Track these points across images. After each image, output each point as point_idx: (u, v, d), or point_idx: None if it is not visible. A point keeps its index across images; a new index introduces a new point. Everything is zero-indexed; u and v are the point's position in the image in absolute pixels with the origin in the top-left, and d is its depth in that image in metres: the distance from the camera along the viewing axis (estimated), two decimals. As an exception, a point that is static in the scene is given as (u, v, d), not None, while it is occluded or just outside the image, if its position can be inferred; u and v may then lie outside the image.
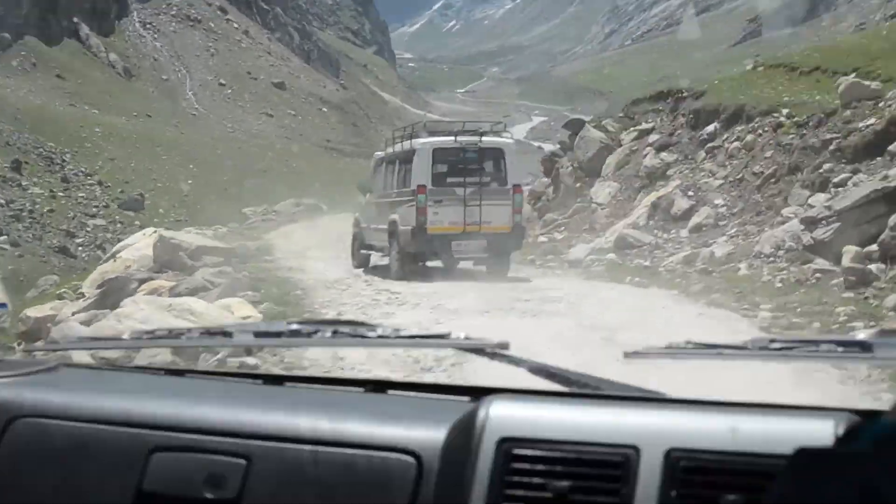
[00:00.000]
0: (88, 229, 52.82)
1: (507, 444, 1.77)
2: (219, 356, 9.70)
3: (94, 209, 56.49)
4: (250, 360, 9.63)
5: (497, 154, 19.66)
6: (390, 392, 2.28)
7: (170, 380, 2.53)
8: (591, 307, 13.93)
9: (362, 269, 21.29)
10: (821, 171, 19.80)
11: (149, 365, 5.58)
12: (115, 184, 60.29)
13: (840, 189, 18.62)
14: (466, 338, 2.42)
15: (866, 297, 13.46)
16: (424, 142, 19.77)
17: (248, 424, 2.02)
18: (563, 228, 26.78)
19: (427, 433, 1.91)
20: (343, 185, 73.25)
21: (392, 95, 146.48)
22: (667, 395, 2.06)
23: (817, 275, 15.33)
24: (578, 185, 29.53)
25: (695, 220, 22.28)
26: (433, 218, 19.18)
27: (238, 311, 13.06)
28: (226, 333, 2.52)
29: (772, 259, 17.35)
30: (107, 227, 53.38)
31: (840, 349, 2.05)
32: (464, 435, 1.83)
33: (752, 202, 21.65)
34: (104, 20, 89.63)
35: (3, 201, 52.11)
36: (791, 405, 1.89)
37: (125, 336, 2.89)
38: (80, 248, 49.12)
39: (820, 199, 18.65)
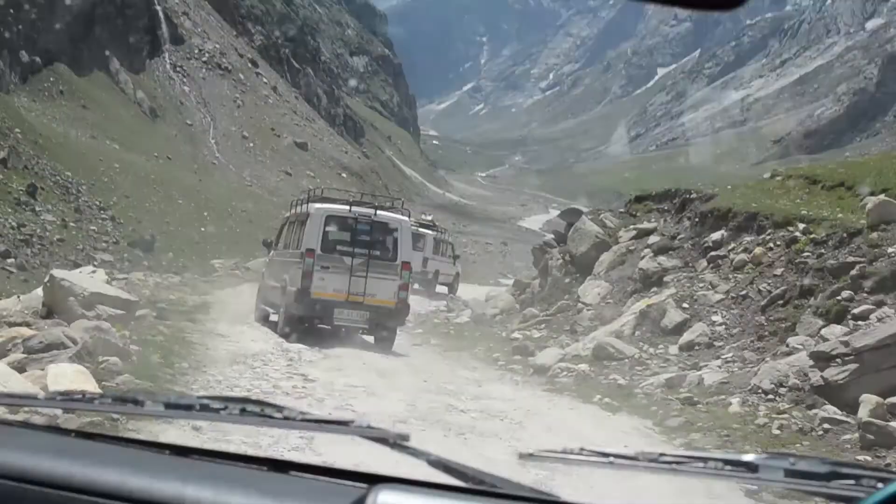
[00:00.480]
0: (96, 263, 51.70)
1: None
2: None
3: (103, 244, 55.85)
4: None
5: (390, 229, 20.55)
6: (291, 473, 2.30)
7: (79, 442, 2.50)
8: (535, 432, 12.33)
9: (291, 343, 18.97)
10: (838, 298, 17.14)
11: (60, 425, 5.61)
12: (127, 221, 59.69)
13: (860, 323, 16.19)
14: (369, 426, 2.52)
15: (888, 463, 11.32)
16: (319, 207, 20.67)
17: (148, 494, 2.01)
18: (542, 326, 24.58)
19: None
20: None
21: (413, 170, 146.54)
22: (560, 499, 2.13)
23: (825, 425, 13.00)
24: (567, 280, 27.40)
25: (687, 336, 19.62)
26: (318, 283, 19.96)
27: (65, 382, 10.75)
28: (137, 402, 2.57)
29: (771, 397, 14.73)
30: (114, 263, 52.48)
31: (727, 467, 2.10)
32: None
33: (755, 324, 18.91)
34: (136, 57, 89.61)
35: (14, 224, 51.62)
36: None
37: (40, 395, 3.03)
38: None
39: (835, 331, 16.20)
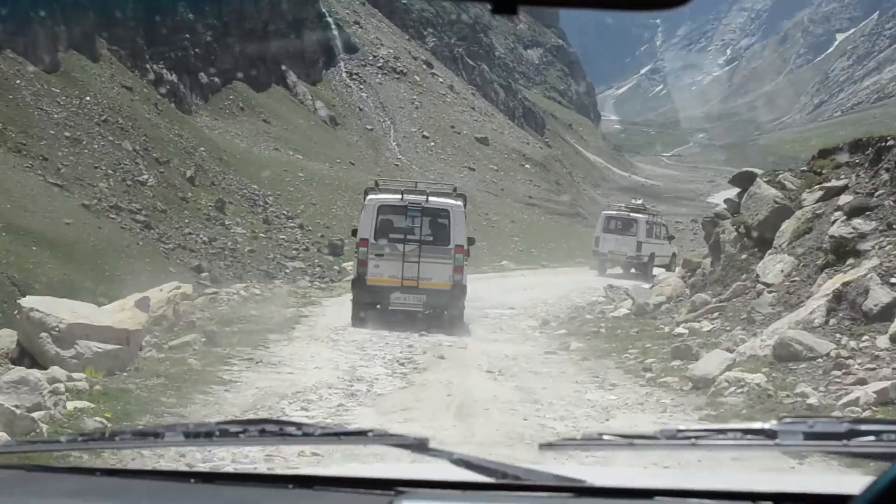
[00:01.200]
0: (287, 271, 52.49)
1: None
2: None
3: (293, 252, 56.46)
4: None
5: (442, 214, 20.93)
6: (315, 488, 2.31)
7: (105, 480, 2.51)
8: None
9: (367, 368, 15.81)
10: None
11: (84, 465, 5.55)
12: (315, 228, 60.16)
13: None
14: (388, 434, 2.53)
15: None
16: (371, 198, 21.05)
17: None
18: (714, 315, 20.38)
19: None
20: (542, 242, 72.33)
21: (597, 156, 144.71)
22: (587, 484, 2.10)
23: None
24: (743, 256, 22.50)
25: (900, 322, 14.14)
26: (373, 270, 20.46)
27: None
28: (157, 434, 2.58)
29: None
30: (305, 269, 52.94)
31: (746, 436, 2.12)
32: None
33: None
34: (312, 69, 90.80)
35: (206, 238, 52.53)
36: (701, 490, 1.99)
37: (62, 439, 3.05)
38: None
39: None
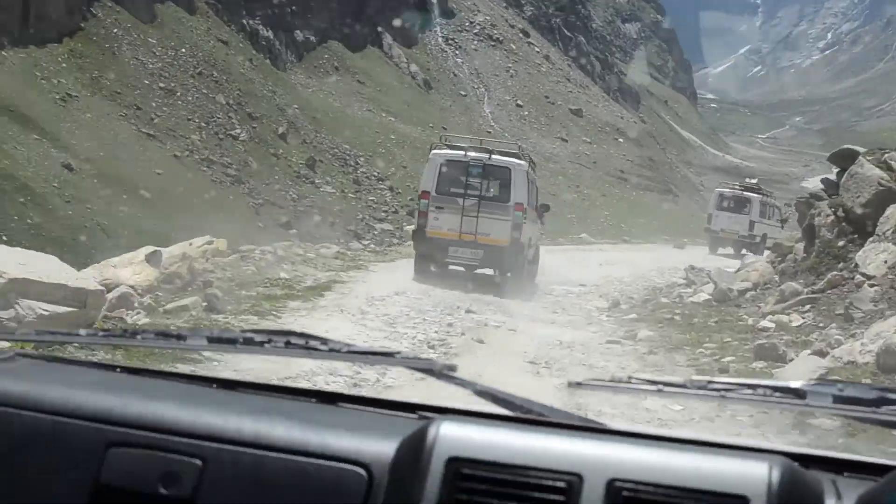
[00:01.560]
0: (375, 232, 52.05)
1: (455, 464, 1.81)
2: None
3: (382, 213, 56.04)
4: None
5: (503, 173, 21.26)
6: (339, 404, 2.31)
7: (126, 377, 2.50)
8: None
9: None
10: None
11: (104, 361, 5.30)
12: (405, 191, 59.57)
13: None
14: (416, 357, 2.51)
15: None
16: (436, 153, 21.87)
17: (204, 426, 2.05)
18: (806, 308, 17.56)
19: (378, 447, 1.95)
20: (631, 217, 71.24)
21: (691, 134, 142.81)
22: (609, 426, 2.11)
23: None
24: (841, 243, 19.41)
25: None
26: (433, 223, 21.18)
27: None
28: (180, 336, 2.57)
29: None
30: (393, 232, 52.43)
31: (775, 394, 2.12)
32: (413, 452, 1.87)
33: None
34: (408, 32, 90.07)
35: (295, 195, 52.24)
36: (728, 444, 1.95)
37: (81, 332, 3.11)
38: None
39: None
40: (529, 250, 22.86)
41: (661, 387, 2.23)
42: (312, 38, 77.88)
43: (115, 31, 57.98)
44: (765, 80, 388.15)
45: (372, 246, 33.86)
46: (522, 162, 21.97)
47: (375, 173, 60.75)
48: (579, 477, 1.75)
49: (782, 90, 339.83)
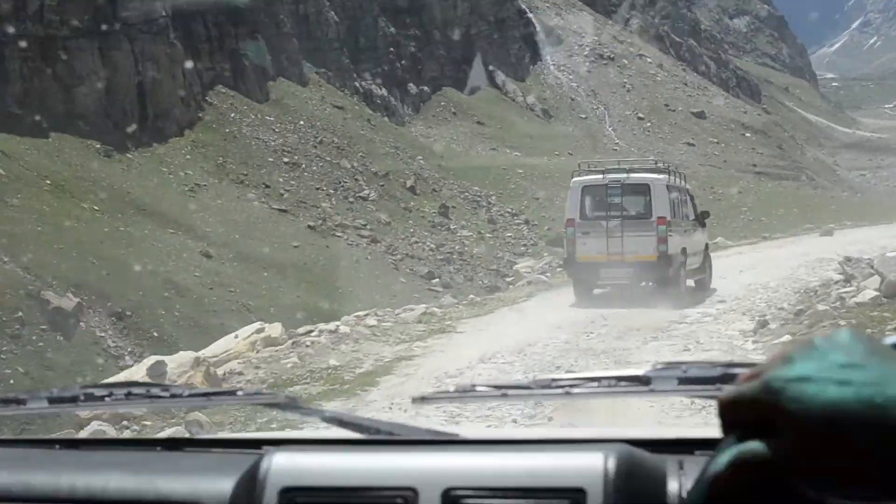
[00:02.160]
0: (517, 266, 51.65)
1: (289, 494, 1.78)
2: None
3: (522, 248, 55.64)
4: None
5: (642, 189, 21.67)
6: (185, 450, 2.27)
7: None
8: None
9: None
10: None
11: None
12: (541, 222, 59.15)
13: None
14: (257, 392, 2.52)
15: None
16: (575, 180, 22.39)
17: (38, 488, 1.96)
18: None
19: (215, 486, 1.91)
20: (771, 208, 69.53)
21: (817, 116, 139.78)
22: (456, 436, 2.13)
23: None
24: None
25: None
26: (581, 248, 21.52)
27: None
28: (19, 401, 2.45)
29: None
30: (533, 266, 51.96)
31: (620, 384, 2.12)
32: (249, 486, 1.82)
33: None
34: (519, 66, 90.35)
35: (433, 245, 52.18)
36: (566, 439, 1.97)
37: None
38: (510, 286, 47.87)
39: None
40: (692, 259, 23.02)
41: (504, 391, 2.19)
42: (426, 89, 78.35)
43: (233, 115, 59.01)
44: (882, 49, 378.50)
45: (472, 296, 29.54)
46: (661, 176, 22.32)
47: (509, 210, 60.45)
48: (414, 491, 1.71)
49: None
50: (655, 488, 1.65)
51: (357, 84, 73.45)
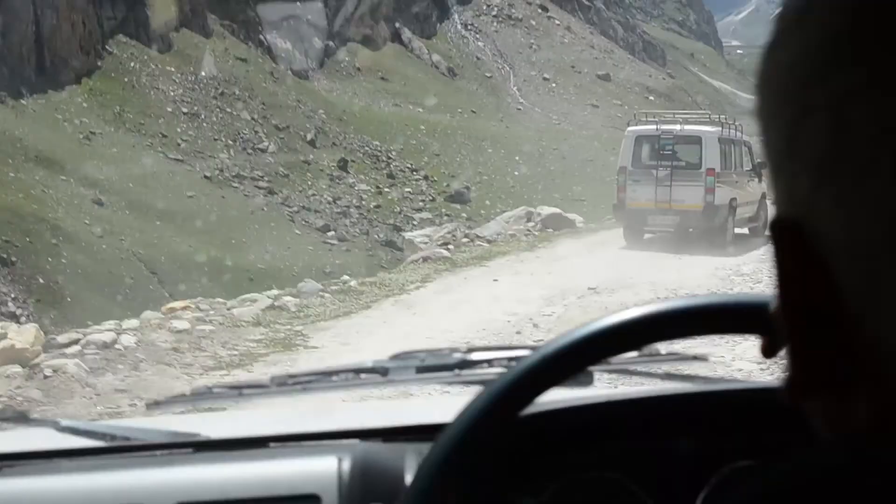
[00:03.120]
0: (415, 223, 51.79)
1: None
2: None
3: (420, 203, 55.75)
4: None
5: (694, 140, 22.78)
6: None
7: None
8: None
9: None
10: None
11: None
12: (440, 178, 59.33)
13: None
14: None
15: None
16: (630, 129, 23.90)
17: None
18: None
19: None
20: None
21: (721, 82, 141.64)
22: (196, 436, 2.05)
23: None
24: None
25: None
26: (631, 195, 22.63)
27: None
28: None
29: None
30: (433, 220, 52.11)
31: (359, 376, 2.12)
32: None
33: None
34: (426, 24, 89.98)
35: (331, 198, 52.16)
36: (306, 434, 2.01)
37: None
38: (406, 236, 48.00)
39: None
40: (744, 208, 24.05)
41: (241, 390, 2.17)
42: (332, 44, 77.81)
43: (133, 64, 58.23)
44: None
45: (345, 278, 19.83)
46: (713, 128, 23.57)
47: (409, 165, 60.50)
48: None
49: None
50: (393, 483, 1.66)
51: (262, 37, 72.75)
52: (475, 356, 2.03)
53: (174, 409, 2.36)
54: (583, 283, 17.16)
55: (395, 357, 2.13)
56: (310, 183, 53.45)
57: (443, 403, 7.85)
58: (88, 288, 35.38)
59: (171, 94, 57.40)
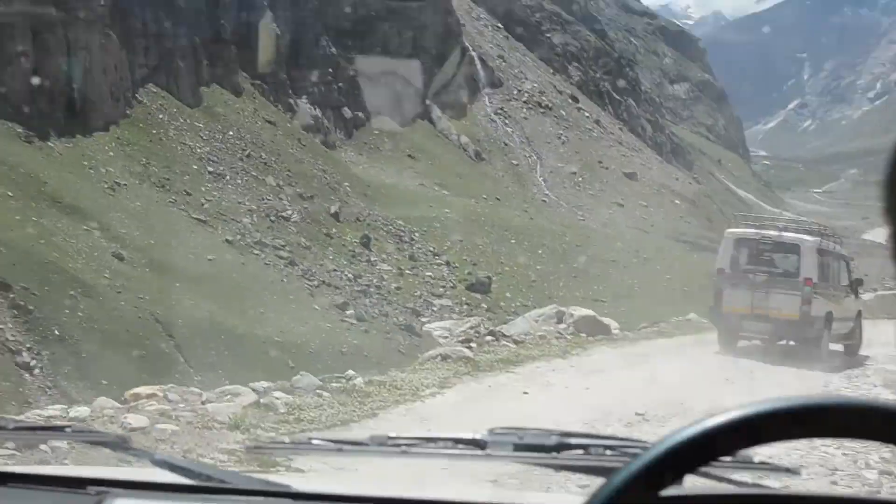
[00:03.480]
0: (434, 309, 50.84)
1: None
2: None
3: (440, 289, 54.89)
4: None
5: (793, 249, 22.08)
6: (9, 485, 2.18)
7: None
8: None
9: None
10: None
11: None
12: (462, 264, 58.52)
13: None
14: (88, 430, 2.52)
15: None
16: (729, 231, 23.24)
17: None
18: None
19: None
20: (696, 281, 69.41)
21: (746, 191, 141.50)
22: (288, 488, 2.11)
23: None
24: None
25: None
26: (728, 299, 21.83)
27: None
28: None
29: None
30: (452, 307, 51.26)
31: (457, 446, 2.14)
32: None
33: None
34: (456, 104, 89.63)
35: (351, 275, 51.25)
36: (409, 499, 2.13)
37: None
38: (424, 328, 46.87)
39: None
40: (840, 324, 23.08)
41: (341, 445, 2.21)
42: (361, 115, 77.34)
43: (161, 116, 57.70)
44: (816, 133, 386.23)
45: (350, 373, 17.56)
46: (813, 238, 22.83)
47: (431, 248, 59.70)
48: None
49: (835, 143, 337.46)
50: None
51: (292, 101, 72.29)
52: (573, 440, 2.03)
53: (273, 454, 2.54)
54: (628, 405, 15.49)
55: (494, 431, 2.10)
56: (332, 257, 52.61)
57: (536, 482, 6.94)
58: (104, 345, 34.43)
59: (198, 150, 56.78)
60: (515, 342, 25.34)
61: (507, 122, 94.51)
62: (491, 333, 27.04)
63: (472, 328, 29.46)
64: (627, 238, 76.29)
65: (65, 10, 52.98)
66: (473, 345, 23.45)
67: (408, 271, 55.31)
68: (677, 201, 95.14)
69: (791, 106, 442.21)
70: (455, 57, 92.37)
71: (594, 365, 19.76)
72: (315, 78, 75.08)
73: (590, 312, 31.18)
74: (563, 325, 29.27)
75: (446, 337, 29.24)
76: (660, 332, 29.27)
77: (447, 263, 58.47)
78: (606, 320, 31.43)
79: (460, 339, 26.25)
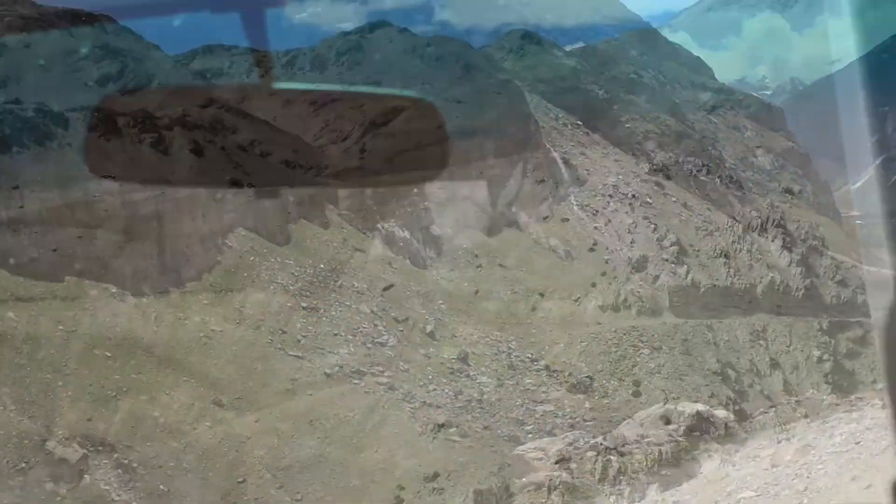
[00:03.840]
0: (538, 416, 50.57)
1: None
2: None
3: (542, 395, 54.53)
4: None
5: None
6: None
7: None
8: None
9: None
10: None
11: None
12: (562, 367, 58.13)
13: None
14: None
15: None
16: None
17: None
18: None
19: None
20: (784, 363, 68.49)
21: (843, 254, 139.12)
22: None
23: None
24: None
25: None
26: None
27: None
28: None
29: None
30: (555, 412, 50.97)
31: None
32: None
33: None
34: (541, 206, 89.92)
35: (451, 392, 51.24)
36: None
37: None
38: (529, 436, 46.76)
39: None
40: None
41: None
42: (449, 230, 77.86)
43: (252, 258, 58.58)
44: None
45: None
46: None
47: (529, 355, 59.46)
48: None
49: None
50: None
51: (380, 226, 73.10)
52: None
53: None
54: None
55: None
56: (430, 377, 52.66)
57: None
58: (211, 492, 34.84)
59: (291, 287, 57.44)
60: (620, 454, 24.63)
61: (594, 217, 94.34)
62: (592, 448, 25.96)
63: (570, 444, 28.37)
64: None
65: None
66: (573, 465, 22.80)
67: (508, 381, 55.12)
68: (773, 274, 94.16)
69: (879, 160, 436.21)
70: (537, 160, 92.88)
71: (713, 486, 17.02)
72: (401, 200, 75.99)
73: (699, 406, 30.07)
74: (672, 426, 28.17)
75: (541, 458, 28.39)
76: (779, 417, 27.76)
77: (546, 368, 58.16)
78: (718, 412, 30.07)
79: (555, 459, 25.62)
